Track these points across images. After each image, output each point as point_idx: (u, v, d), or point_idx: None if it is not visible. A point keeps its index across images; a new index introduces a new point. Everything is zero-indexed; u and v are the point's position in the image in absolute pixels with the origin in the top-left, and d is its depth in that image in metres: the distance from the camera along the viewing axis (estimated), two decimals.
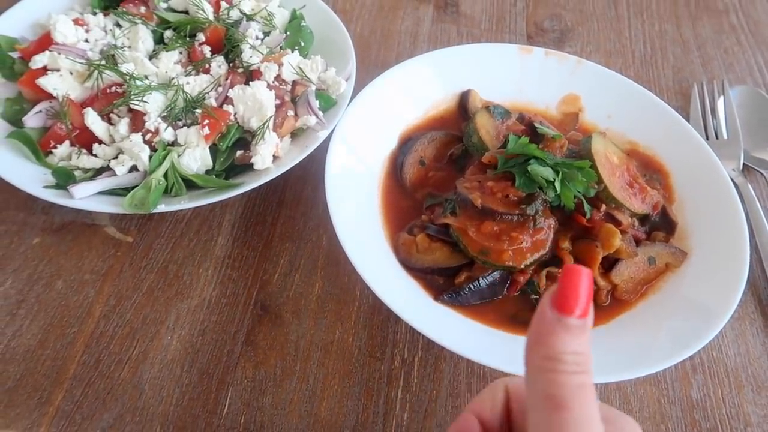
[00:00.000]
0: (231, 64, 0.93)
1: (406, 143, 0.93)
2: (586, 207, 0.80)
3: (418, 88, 0.97)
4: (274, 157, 0.86)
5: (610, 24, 1.26)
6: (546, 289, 0.78)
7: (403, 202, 0.89)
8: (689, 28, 1.26)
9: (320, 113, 0.89)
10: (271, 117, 0.85)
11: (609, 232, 0.80)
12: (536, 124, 0.88)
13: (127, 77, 0.86)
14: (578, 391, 0.36)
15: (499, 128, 0.91)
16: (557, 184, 0.79)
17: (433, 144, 0.93)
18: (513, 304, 0.80)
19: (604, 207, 0.82)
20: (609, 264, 0.82)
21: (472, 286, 0.78)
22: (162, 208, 0.78)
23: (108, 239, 0.85)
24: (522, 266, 0.77)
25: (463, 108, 0.99)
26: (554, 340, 0.36)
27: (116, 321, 0.78)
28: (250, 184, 0.81)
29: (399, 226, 0.85)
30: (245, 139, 0.88)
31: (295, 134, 0.91)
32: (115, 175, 0.81)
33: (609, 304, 0.82)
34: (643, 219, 0.87)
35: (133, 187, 0.81)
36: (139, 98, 0.83)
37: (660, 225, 0.88)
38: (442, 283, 0.81)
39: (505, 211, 0.78)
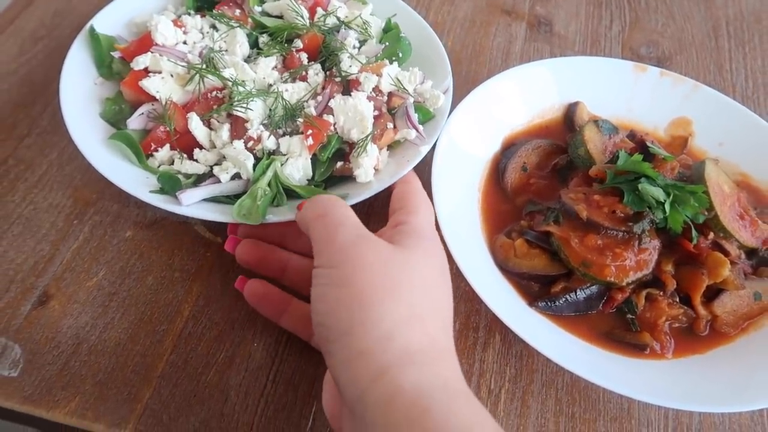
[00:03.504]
0: (328, 73, 0.93)
1: (509, 148, 0.93)
2: (694, 233, 0.78)
3: (529, 94, 0.97)
4: (375, 170, 0.84)
5: (709, 55, 1.21)
6: (644, 309, 0.77)
7: (502, 205, 0.89)
8: None
9: (420, 127, 0.87)
10: (372, 130, 0.84)
11: (717, 261, 0.77)
12: (648, 144, 0.86)
13: (230, 82, 0.86)
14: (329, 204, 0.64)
15: (606, 143, 0.89)
16: (667, 206, 0.77)
17: (537, 152, 0.93)
18: (607, 320, 0.79)
19: (711, 235, 0.79)
20: (711, 294, 0.79)
21: (568, 297, 0.78)
22: (271, 218, 0.77)
23: (198, 238, 0.86)
24: (623, 283, 0.76)
25: (569, 119, 0.97)
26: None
27: (204, 322, 0.78)
28: (354, 197, 0.80)
29: (497, 228, 0.86)
30: (342, 149, 0.87)
31: (391, 147, 0.89)
32: (219, 182, 0.81)
33: (707, 335, 0.79)
34: (750, 253, 0.84)
35: (236, 195, 0.80)
36: (243, 105, 0.83)
37: None
38: (537, 290, 0.80)
39: (611, 226, 0.77)
